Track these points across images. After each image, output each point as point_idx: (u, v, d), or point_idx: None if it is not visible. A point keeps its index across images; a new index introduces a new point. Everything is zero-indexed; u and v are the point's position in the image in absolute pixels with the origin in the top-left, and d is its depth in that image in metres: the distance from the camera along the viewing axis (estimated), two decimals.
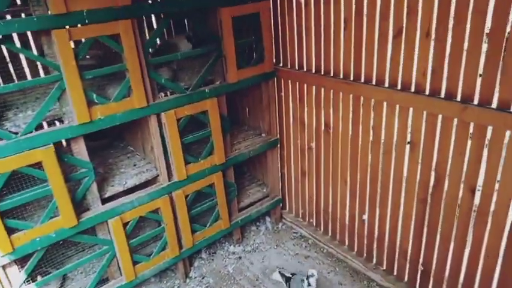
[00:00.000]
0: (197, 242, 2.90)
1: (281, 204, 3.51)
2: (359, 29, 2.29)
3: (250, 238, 3.37)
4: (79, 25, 1.97)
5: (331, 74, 2.60)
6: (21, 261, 2.20)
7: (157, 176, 2.61)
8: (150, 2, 2.27)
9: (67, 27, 1.91)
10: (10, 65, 2.81)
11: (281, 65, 2.98)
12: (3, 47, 2.68)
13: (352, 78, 2.46)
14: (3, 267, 2.09)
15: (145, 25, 3.03)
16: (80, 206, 2.32)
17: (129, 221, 2.50)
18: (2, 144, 1.89)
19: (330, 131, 2.76)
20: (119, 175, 2.65)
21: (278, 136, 3.22)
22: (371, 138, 2.48)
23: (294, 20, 2.72)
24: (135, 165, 2.76)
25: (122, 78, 2.23)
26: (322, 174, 2.97)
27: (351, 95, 2.49)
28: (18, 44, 2.64)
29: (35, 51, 2.80)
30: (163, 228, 2.66)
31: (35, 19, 1.81)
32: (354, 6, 2.27)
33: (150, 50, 2.35)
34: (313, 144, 2.95)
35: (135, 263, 2.61)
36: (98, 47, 2.47)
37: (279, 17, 2.84)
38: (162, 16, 3.06)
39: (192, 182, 2.70)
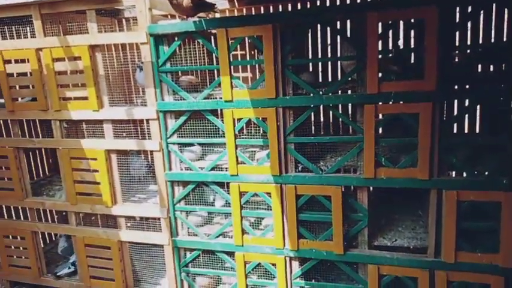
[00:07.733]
0: None
1: None
2: None
3: None
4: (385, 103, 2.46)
5: None
6: (302, 262, 2.98)
7: (427, 247, 2.64)
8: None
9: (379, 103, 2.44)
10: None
11: None
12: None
13: None
14: (290, 258, 2.95)
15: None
16: (351, 241, 2.81)
17: (386, 275, 2.71)
18: (311, 175, 2.73)
19: None
20: (394, 231, 2.90)
21: None
22: None
23: None
24: (413, 229, 2.91)
25: (413, 149, 2.50)
26: None
27: None
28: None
29: None
30: None
31: (355, 96, 2.48)
32: None
33: None
34: None
35: None
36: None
37: None
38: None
39: (462, 271, 2.50)
